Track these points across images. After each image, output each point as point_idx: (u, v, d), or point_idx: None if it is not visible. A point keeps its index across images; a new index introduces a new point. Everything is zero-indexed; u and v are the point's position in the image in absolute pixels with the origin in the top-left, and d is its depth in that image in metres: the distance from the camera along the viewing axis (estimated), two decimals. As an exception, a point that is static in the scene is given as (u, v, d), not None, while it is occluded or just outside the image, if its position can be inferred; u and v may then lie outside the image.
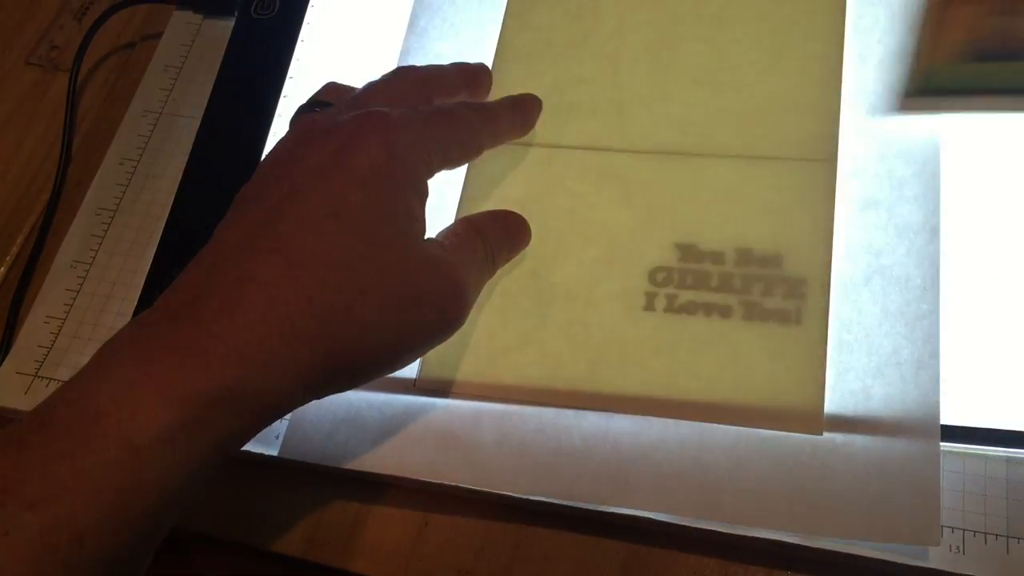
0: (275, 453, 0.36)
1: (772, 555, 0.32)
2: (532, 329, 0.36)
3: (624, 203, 0.37)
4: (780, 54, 0.38)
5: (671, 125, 0.38)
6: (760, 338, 0.33)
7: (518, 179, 0.39)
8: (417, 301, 0.30)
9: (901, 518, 0.30)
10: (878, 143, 0.35)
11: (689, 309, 0.35)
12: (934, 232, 0.33)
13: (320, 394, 0.30)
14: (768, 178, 0.36)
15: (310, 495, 0.36)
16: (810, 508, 0.30)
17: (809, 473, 0.31)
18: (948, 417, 0.31)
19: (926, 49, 0.36)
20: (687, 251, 0.35)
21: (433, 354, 0.35)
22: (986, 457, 0.32)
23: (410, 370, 0.36)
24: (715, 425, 0.33)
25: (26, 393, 0.40)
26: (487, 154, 0.36)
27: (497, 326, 0.36)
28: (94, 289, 0.42)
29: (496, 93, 0.39)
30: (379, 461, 0.35)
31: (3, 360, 0.41)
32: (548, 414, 0.34)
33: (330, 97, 0.36)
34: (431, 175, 0.33)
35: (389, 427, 0.35)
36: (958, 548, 0.30)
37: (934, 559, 0.30)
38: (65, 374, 0.40)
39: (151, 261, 0.42)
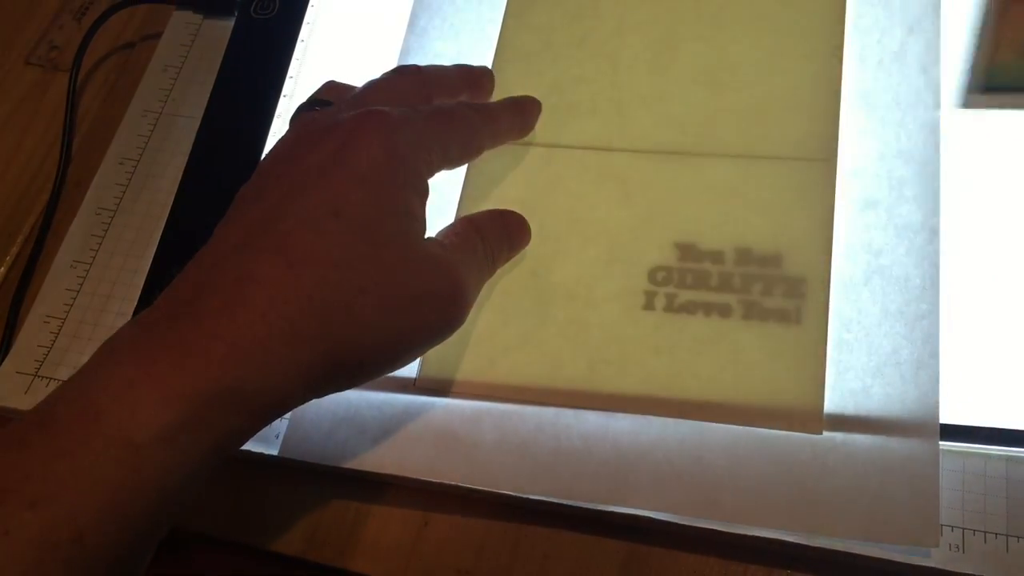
0: (275, 452, 0.36)
1: (772, 554, 0.32)
2: (532, 328, 0.36)
3: (624, 202, 0.37)
4: (780, 53, 0.38)
5: (671, 125, 0.38)
6: (760, 337, 0.33)
7: (518, 179, 0.39)
8: (417, 300, 0.30)
9: (901, 517, 0.30)
10: (878, 143, 0.35)
11: (689, 308, 0.35)
12: (934, 232, 0.33)
13: (320, 393, 0.30)
14: (768, 178, 0.36)
15: (310, 494, 0.36)
16: (810, 507, 0.31)
17: (809, 472, 0.31)
18: (947, 416, 0.31)
19: (989, 45, 0.35)
20: (687, 250, 0.35)
21: (433, 353, 0.35)
22: (985, 456, 0.32)
23: (410, 369, 0.36)
24: (715, 424, 0.33)
25: (26, 393, 0.40)
26: (487, 154, 0.36)
27: (497, 325, 0.36)
28: (94, 289, 0.42)
29: (496, 93, 0.39)
30: (379, 460, 0.35)
31: (3, 360, 0.41)
32: (548, 413, 0.34)
33: (330, 96, 0.36)
34: (431, 174, 0.33)
35: (389, 426, 0.35)
36: (957, 547, 0.30)
37: (934, 558, 0.30)
38: (65, 374, 0.40)
39: (151, 261, 0.42)
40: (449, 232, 0.34)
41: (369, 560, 0.35)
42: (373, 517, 0.36)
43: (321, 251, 0.28)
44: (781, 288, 0.34)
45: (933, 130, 0.35)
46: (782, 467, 0.31)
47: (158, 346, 0.27)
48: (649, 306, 0.35)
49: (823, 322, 0.33)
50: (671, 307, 0.35)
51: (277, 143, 0.33)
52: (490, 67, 0.41)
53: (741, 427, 0.32)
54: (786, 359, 0.33)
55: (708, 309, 0.34)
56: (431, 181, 0.33)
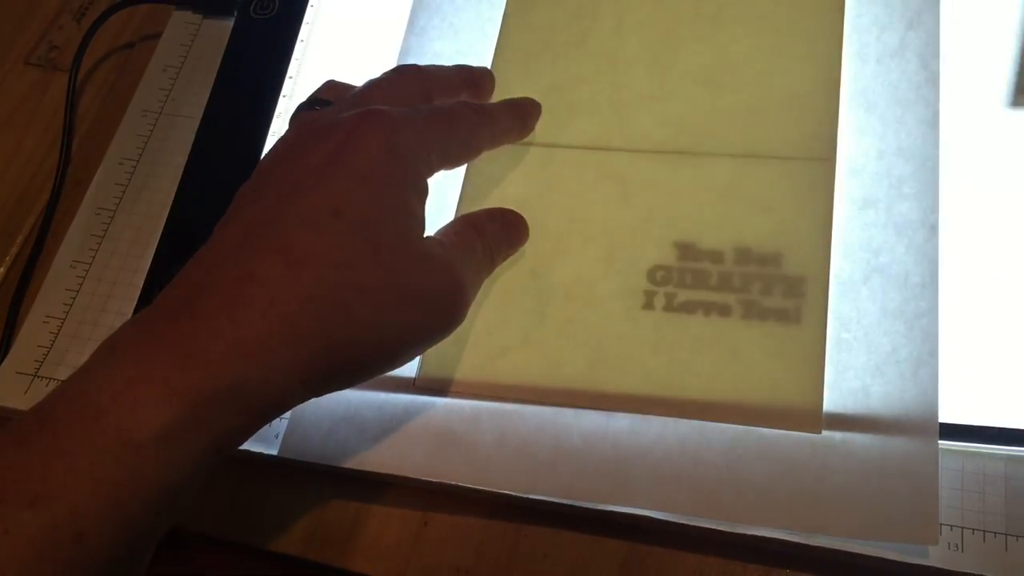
0: (275, 452, 0.36)
1: (771, 554, 0.32)
2: (531, 328, 0.36)
3: (623, 202, 0.37)
4: (779, 53, 0.38)
5: (670, 124, 0.38)
6: (759, 337, 0.33)
7: (517, 178, 0.39)
8: (417, 299, 0.30)
9: (900, 516, 0.30)
10: (877, 141, 0.35)
11: (688, 308, 0.35)
12: (933, 230, 0.33)
13: (320, 392, 0.30)
14: (767, 177, 0.36)
15: (310, 494, 0.36)
16: (809, 506, 0.31)
17: (808, 471, 0.31)
18: (947, 415, 0.31)
19: None
20: (686, 250, 0.35)
21: (432, 353, 0.36)
22: (985, 455, 0.32)
23: (410, 369, 0.36)
24: (714, 424, 0.33)
25: (26, 393, 0.40)
26: (486, 154, 0.36)
27: (496, 325, 0.36)
28: (94, 289, 0.42)
29: (496, 93, 0.39)
30: (379, 460, 0.35)
31: (3, 360, 0.41)
32: (547, 413, 0.34)
33: (330, 95, 0.36)
34: (431, 174, 0.33)
35: (389, 426, 0.35)
36: (956, 546, 0.30)
37: (933, 557, 0.30)
38: (65, 374, 0.40)
39: (151, 261, 0.42)
40: (448, 231, 0.34)
41: (369, 560, 0.35)
42: (373, 517, 0.36)
43: (321, 250, 0.28)
44: (780, 287, 0.34)
45: (932, 126, 0.35)
46: (781, 466, 0.31)
47: (158, 345, 0.27)
48: (648, 306, 0.35)
49: (822, 321, 0.33)
50: (670, 307, 0.35)
51: (277, 142, 0.33)
52: (489, 67, 0.41)
53: (740, 426, 0.32)
54: (785, 358, 0.33)
55: (707, 308, 0.34)
56: (430, 181, 0.33)
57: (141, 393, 0.26)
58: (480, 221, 0.35)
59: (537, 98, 0.39)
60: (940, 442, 0.31)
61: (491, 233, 0.35)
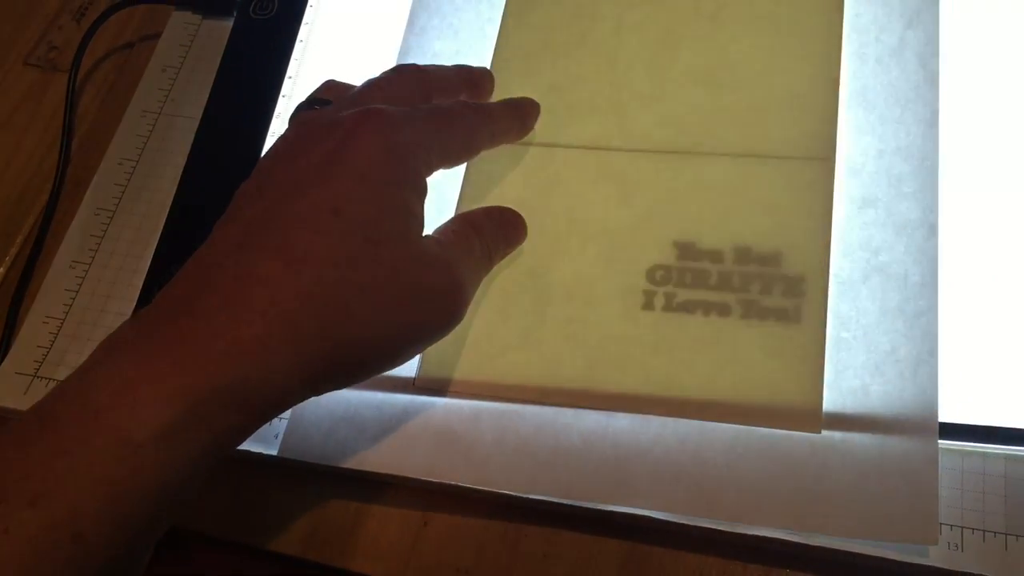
0: (274, 452, 0.36)
1: (771, 553, 0.32)
2: (531, 328, 0.36)
3: (622, 202, 0.37)
4: (778, 52, 0.38)
5: (669, 124, 0.38)
6: (758, 336, 0.33)
7: (517, 178, 0.39)
8: (416, 298, 0.30)
9: (899, 516, 0.30)
10: (876, 140, 0.35)
11: (688, 307, 0.35)
12: (932, 229, 0.33)
13: (319, 391, 0.30)
14: (766, 176, 0.36)
15: (309, 494, 0.36)
16: (808, 506, 0.30)
17: (807, 471, 0.31)
18: (946, 414, 0.31)
19: None
20: (685, 249, 0.35)
21: (432, 353, 0.36)
22: (984, 454, 0.32)
23: (409, 369, 0.36)
24: (714, 423, 0.33)
25: (25, 393, 0.40)
26: (485, 153, 0.36)
27: (496, 325, 0.36)
28: (93, 289, 0.42)
29: (495, 93, 0.39)
30: (378, 460, 0.35)
31: (2, 360, 0.41)
32: (547, 413, 0.34)
33: (329, 95, 0.36)
34: (430, 173, 0.33)
35: (388, 426, 0.35)
36: (956, 545, 0.30)
37: (932, 556, 0.30)
38: (64, 374, 0.39)
39: (150, 261, 0.42)
40: (446, 229, 0.34)
41: (369, 560, 0.35)
42: (372, 517, 0.36)
43: (320, 249, 0.28)
44: (780, 287, 0.34)
45: (932, 125, 0.35)
46: (781, 466, 0.31)
47: (157, 344, 0.27)
48: (648, 305, 0.35)
49: (822, 320, 0.33)
50: (670, 306, 0.35)
51: (276, 141, 0.33)
52: (489, 66, 0.41)
53: (740, 426, 0.32)
54: (785, 358, 0.33)
55: (707, 308, 0.34)
56: (430, 180, 0.33)
57: (140, 393, 0.26)
58: (478, 220, 0.35)
59: (536, 98, 0.39)
60: (940, 441, 0.31)
61: (489, 232, 0.35)
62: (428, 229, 0.33)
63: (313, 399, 0.31)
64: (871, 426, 0.31)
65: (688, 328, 0.34)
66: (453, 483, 0.34)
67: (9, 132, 0.49)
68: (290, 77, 0.45)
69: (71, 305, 0.42)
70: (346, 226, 0.29)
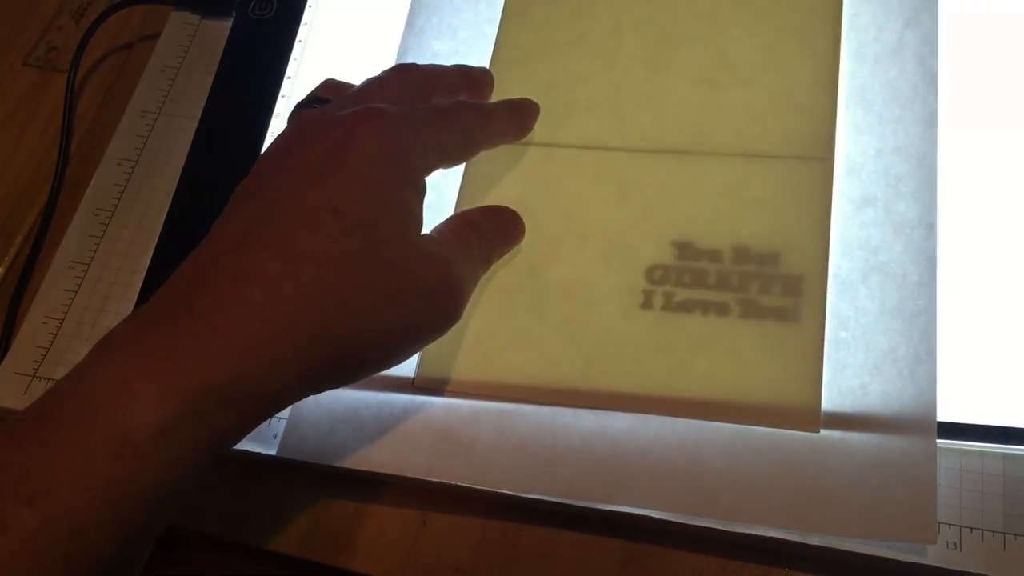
0: (273, 452, 0.36)
1: (770, 553, 0.32)
2: (529, 327, 0.36)
3: (621, 201, 0.37)
4: (777, 52, 0.38)
5: (668, 123, 0.38)
6: (757, 336, 0.33)
7: (516, 178, 0.39)
8: (414, 297, 0.30)
9: (898, 515, 0.30)
10: (875, 139, 0.35)
11: (686, 307, 0.35)
12: (931, 228, 0.33)
13: (318, 389, 0.30)
14: (765, 176, 0.36)
15: (309, 494, 0.36)
16: (807, 505, 0.31)
17: (806, 470, 0.31)
18: (945, 414, 0.31)
19: None
20: (684, 249, 0.35)
21: (431, 352, 0.36)
22: (983, 454, 0.32)
23: (408, 368, 0.36)
24: (713, 423, 0.33)
25: (24, 393, 0.40)
26: (484, 153, 0.36)
27: (495, 325, 0.36)
28: (92, 289, 0.42)
29: (494, 93, 0.39)
30: (377, 460, 0.35)
31: (2, 360, 0.41)
32: (546, 412, 0.34)
33: (329, 94, 0.36)
34: (428, 172, 0.33)
35: (387, 426, 0.35)
36: (955, 544, 0.30)
37: (931, 556, 0.30)
38: (63, 374, 0.40)
39: (149, 261, 0.42)
40: (443, 228, 0.34)
41: (368, 559, 0.35)
42: (372, 516, 0.36)
43: (319, 248, 0.28)
44: (779, 286, 0.34)
45: (930, 124, 0.35)
46: (780, 465, 0.31)
47: (155, 342, 0.27)
48: (647, 305, 0.35)
49: (820, 320, 0.33)
50: (669, 306, 0.35)
51: (275, 140, 0.33)
52: (488, 66, 0.41)
53: (739, 425, 0.32)
54: (784, 357, 0.33)
55: (706, 308, 0.34)
56: (428, 180, 0.33)
57: (138, 391, 0.26)
58: (476, 219, 0.35)
59: (535, 98, 0.39)
60: (938, 441, 0.31)
61: (487, 231, 0.35)
62: (426, 228, 0.33)
63: (312, 399, 0.31)
64: (870, 425, 0.31)
65: (687, 328, 0.34)
66: (452, 483, 0.34)
67: (8, 132, 0.49)
68: (289, 77, 0.45)
69: (70, 305, 0.42)
70: (345, 225, 0.29)
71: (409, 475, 0.34)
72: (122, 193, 0.44)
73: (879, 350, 0.32)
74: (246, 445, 0.35)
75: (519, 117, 0.38)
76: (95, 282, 0.42)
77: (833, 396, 0.32)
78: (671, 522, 0.32)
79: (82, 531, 0.24)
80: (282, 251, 0.28)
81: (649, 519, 0.32)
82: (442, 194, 0.39)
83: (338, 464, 0.35)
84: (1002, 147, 0.36)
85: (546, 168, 0.38)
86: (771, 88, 0.37)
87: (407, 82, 0.35)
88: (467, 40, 0.42)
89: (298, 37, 0.46)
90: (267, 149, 0.33)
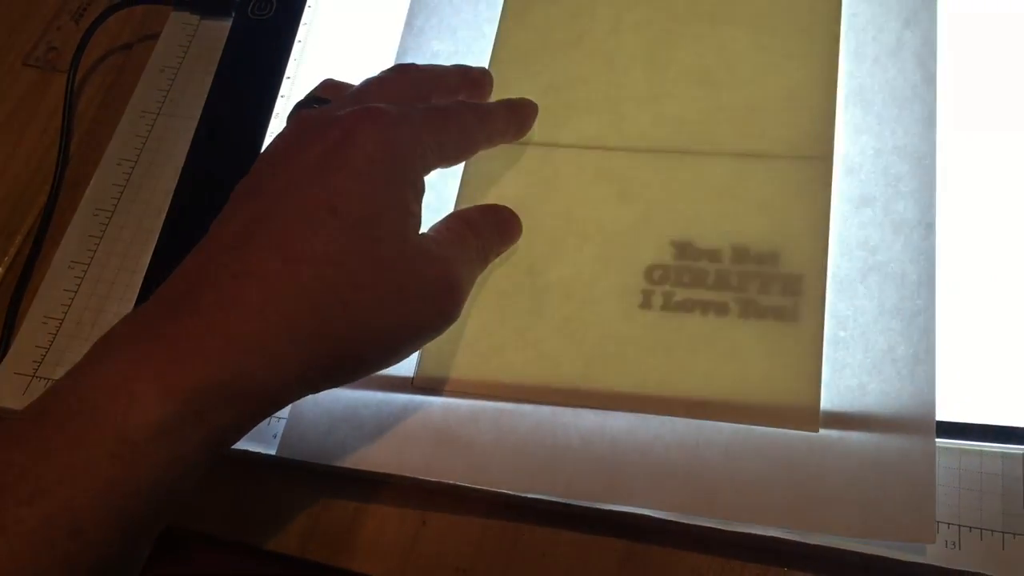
0: (273, 452, 0.36)
1: (769, 552, 0.32)
2: (529, 327, 0.36)
3: (620, 201, 0.37)
4: (776, 52, 0.38)
5: (667, 123, 0.38)
6: (756, 335, 0.34)
7: (515, 177, 0.39)
8: (413, 296, 0.30)
9: (897, 515, 0.30)
10: (874, 139, 0.35)
11: (686, 307, 0.35)
12: (930, 228, 0.33)
13: (317, 388, 0.30)
14: (764, 175, 0.36)
15: (308, 494, 0.36)
16: (806, 505, 0.31)
17: (805, 470, 0.31)
18: (944, 413, 0.31)
19: None
20: (683, 249, 0.35)
21: (430, 352, 0.36)
22: (982, 453, 0.32)
23: (407, 368, 0.36)
24: (712, 422, 0.33)
25: (24, 393, 0.40)
26: (483, 153, 0.37)
27: (494, 324, 0.36)
28: (92, 289, 0.42)
29: (493, 93, 0.39)
30: (377, 459, 0.35)
31: (1, 360, 0.41)
32: (545, 412, 0.34)
33: (328, 93, 0.36)
34: (427, 172, 0.33)
35: (387, 425, 0.35)
36: (954, 544, 0.30)
37: (930, 555, 0.30)
38: (63, 374, 0.40)
39: (149, 261, 0.42)
40: (441, 227, 0.34)
41: (367, 559, 0.35)
42: (371, 516, 0.36)
43: (318, 247, 0.28)
44: (778, 286, 0.34)
45: (929, 124, 0.35)
46: (779, 465, 0.31)
47: (154, 341, 0.27)
48: (646, 304, 0.35)
49: (819, 319, 0.33)
50: (668, 305, 0.35)
51: (275, 139, 0.33)
52: (487, 66, 0.41)
53: (738, 425, 0.32)
54: (783, 357, 0.33)
55: (705, 307, 0.34)
56: (427, 179, 0.33)
57: (137, 390, 0.26)
58: (474, 218, 0.35)
59: (534, 98, 0.39)
60: (937, 440, 0.31)
61: (485, 230, 0.35)
62: (424, 227, 0.33)
63: (311, 398, 0.31)
64: (869, 425, 0.31)
65: (686, 327, 0.34)
66: (451, 482, 0.34)
67: (8, 132, 0.49)
68: (288, 77, 0.45)
69: (70, 305, 0.42)
70: (344, 224, 0.29)
71: (408, 475, 0.34)
72: (122, 193, 0.44)
73: (878, 350, 0.32)
74: (246, 445, 0.35)
75: (518, 117, 0.38)
76: (95, 282, 0.42)
77: (832, 396, 0.32)
78: (671, 522, 0.32)
79: (81, 530, 0.24)
80: (281, 250, 0.28)
81: (649, 519, 0.32)
82: (441, 194, 0.39)
83: (338, 464, 0.35)
84: (1001, 147, 0.36)
85: (545, 168, 0.38)
86: (770, 88, 0.37)
87: (406, 82, 0.35)
88: (466, 40, 0.42)
89: (297, 37, 0.46)
90: (266, 149, 0.33)
